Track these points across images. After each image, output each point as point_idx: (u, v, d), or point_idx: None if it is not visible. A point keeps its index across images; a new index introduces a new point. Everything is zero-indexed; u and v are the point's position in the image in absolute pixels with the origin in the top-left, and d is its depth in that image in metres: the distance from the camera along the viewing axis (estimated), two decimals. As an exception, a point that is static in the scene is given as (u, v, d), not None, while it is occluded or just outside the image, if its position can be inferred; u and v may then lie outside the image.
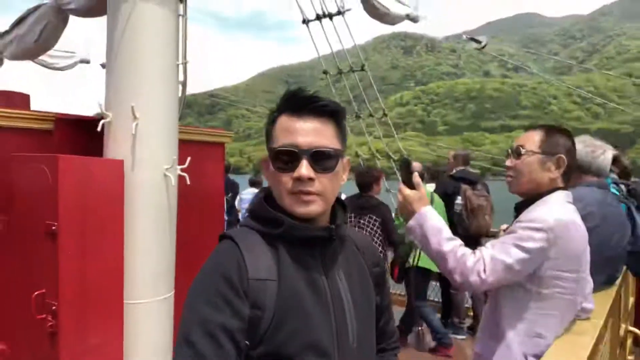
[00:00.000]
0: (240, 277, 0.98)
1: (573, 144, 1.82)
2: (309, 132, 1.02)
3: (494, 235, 4.93)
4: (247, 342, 0.97)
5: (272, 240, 1.05)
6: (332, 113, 1.05)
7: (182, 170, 2.80)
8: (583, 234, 1.70)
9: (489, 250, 1.64)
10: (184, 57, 2.80)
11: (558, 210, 1.66)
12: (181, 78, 2.84)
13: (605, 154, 2.50)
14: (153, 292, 2.75)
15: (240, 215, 7.90)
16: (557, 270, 1.63)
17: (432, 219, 1.68)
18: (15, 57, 4.04)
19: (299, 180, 1.01)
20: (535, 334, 1.66)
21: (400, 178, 1.76)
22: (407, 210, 1.73)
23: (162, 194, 2.74)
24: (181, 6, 2.79)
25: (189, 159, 2.81)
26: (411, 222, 1.71)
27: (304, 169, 1.00)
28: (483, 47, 5.10)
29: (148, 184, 2.68)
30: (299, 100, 1.04)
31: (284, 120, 1.05)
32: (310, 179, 1.01)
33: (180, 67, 2.80)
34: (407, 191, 1.71)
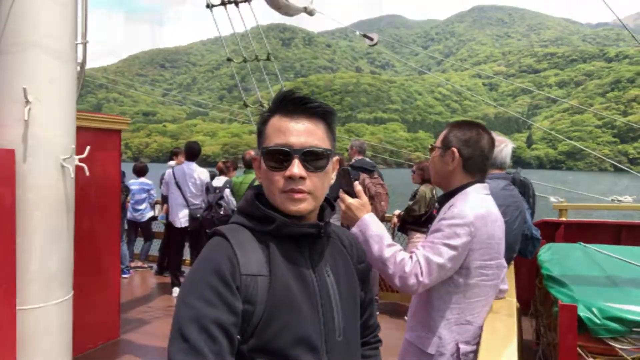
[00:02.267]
0: (233, 273, 0.98)
1: (476, 136, 1.93)
2: (301, 132, 1.05)
3: (389, 220, 5.33)
4: (238, 336, 0.98)
5: (262, 237, 1.06)
6: (323, 114, 1.08)
7: (80, 160, 2.56)
8: (500, 223, 1.88)
9: (422, 252, 1.74)
10: (84, 36, 2.54)
11: (475, 203, 1.81)
12: (80, 58, 2.57)
13: (506, 147, 2.82)
14: (49, 296, 2.50)
15: (129, 207, 7.26)
16: (481, 260, 1.79)
17: (373, 227, 1.75)
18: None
19: (291, 179, 1.03)
20: (465, 321, 1.83)
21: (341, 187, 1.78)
22: (349, 218, 1.79)
23: (59, 187, 2.49)
24: (80, -21, 2.53)
25: (88, 147, 2.58)
26: (354, 229, 1.77)
27: (296, 168, 1.02)
28: (375, 44, 5.40)
29: (43, 176, 2.41)
30: (291, 102, 1.06)
31: (276, 121, 1.07)
32: (302, 178, 1.03)
33: (80, 47, 2.54)
34: (349, 200, 1.77)
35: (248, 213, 1.10)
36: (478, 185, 1.91)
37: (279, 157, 1.04)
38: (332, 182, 1.15)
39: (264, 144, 1.08)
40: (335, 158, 1.15)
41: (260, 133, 1.11)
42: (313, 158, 1.05)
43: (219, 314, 0.94)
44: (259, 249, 1.04)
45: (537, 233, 3.40)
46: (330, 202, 1.18)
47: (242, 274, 0.99)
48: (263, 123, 1.10)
